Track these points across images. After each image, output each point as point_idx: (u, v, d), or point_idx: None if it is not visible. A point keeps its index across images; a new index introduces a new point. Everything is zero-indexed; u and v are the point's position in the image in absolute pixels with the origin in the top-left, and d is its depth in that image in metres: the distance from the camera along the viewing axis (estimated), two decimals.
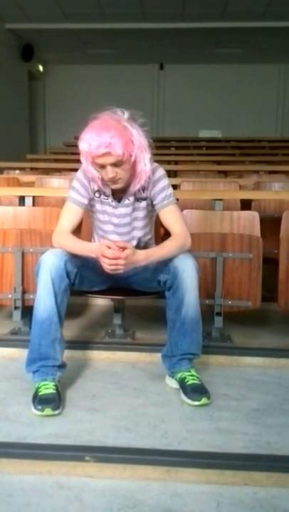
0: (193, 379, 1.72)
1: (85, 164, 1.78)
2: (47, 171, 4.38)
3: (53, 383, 1.67)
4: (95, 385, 1.83)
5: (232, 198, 2.83)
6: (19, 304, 2.15)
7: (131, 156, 1.71)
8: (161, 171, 1.85)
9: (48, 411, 1.57)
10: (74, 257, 1.76)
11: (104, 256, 1.65)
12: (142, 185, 1.81)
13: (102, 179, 1.79)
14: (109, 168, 1.69)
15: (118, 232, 1.89)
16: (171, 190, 1.87)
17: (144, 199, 1.86)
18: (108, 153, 1.65)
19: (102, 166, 1.71)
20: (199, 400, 1.66)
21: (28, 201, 2.63)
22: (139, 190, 1.83)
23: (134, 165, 1.75)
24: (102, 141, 1.63)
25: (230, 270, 2.14)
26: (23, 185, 3.44)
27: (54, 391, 1.64)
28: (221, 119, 9.87)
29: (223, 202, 2.57)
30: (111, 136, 1.63)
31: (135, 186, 1.80)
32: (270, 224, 2.59)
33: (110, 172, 1.70)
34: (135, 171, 1.77)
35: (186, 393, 1.69)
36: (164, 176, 1.86)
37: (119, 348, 2.11)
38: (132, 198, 1.85)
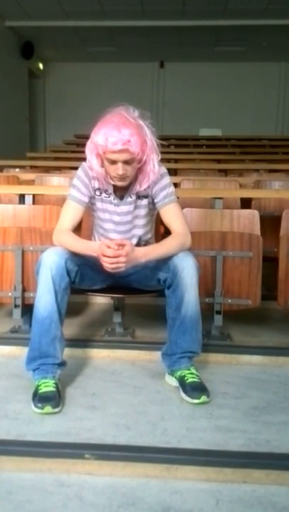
0: (193, 377, 1.73)
1: (90, 157, 1.77)
2: (47, 169, 4.38)
3: (53, 381, 1.67)
4: (94, 383, 1.84)
5: (232, 197, 2.83)
6: (19, 302, 2.16)
7: (144, 155, 1.71)
8: (163, 169, 1.85)
9: (48, 409, 1.58)
10: (74, 256, 1.76)
11: (104, 255, 1.65)
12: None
13: (107, 175, 1.79)
14: (120, 164, 1.69)
15: (118, 231, 1.90)
16: (172, 188, 1.87)
17: (146, 197, 1.87)
18: (125, 150, 1.65)
19: (113, 162, 1.70)
20: (199, 398, 1.66)
21: (28, 199, 2.63)
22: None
23: (143, 164, 1.75)
24: (121, 138, 1.62)
25: (230, 269, 2.14)
26: (23, 183, 3.44)
27: (54, 389, 1.64)
28: (221, 118, 9.85)
29: (223, 200, 2.57)
30: (130, 134, 1.63)
31: (142, 186, 1.81)
32: (270, 222, 2.59)
33: (121, 169, 1.70)
34: (143, 170, 1.77)
35: (185, 391, 1.70)
36: (166, 174, 1.86)
37: (119, 346, 2.12)
38: (134, 196, 1.85)
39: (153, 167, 1.77)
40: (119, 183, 1.78)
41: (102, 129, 1.66)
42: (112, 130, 1.63)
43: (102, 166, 1.78)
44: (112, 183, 1.81)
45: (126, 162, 1.69)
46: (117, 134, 1.62)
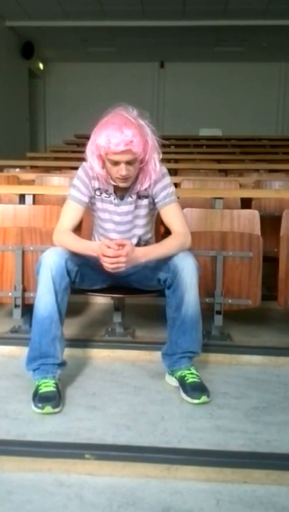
0: (193, 377, 1.73)
1: (91, 159, 1.77)
2: (47, 169, 4.38)
3: (53, 381, 1.67)
4: (95, 383, 1.84)
5: (232, 197, 2.83)
6: (19, 302, 2.16)
7: (146, 155, 1.71)
8: (163, 169, 1.85)
9: (48, 409, 1.58)
10: (75, 256, 1.76)
11: (105, 255, 1.65)
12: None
13: (108, 177, 1.79)
14: (123, 165, 1.69)
15: (118, 231, 1.89)
16: (173, 188, 1.87)
17: (146, 197, 1.87)
18: (127, 151, 1.65)
19: (116, 163, 1.70)
20: (199, 398, 1.66)
21: (29, 199, 2.63)
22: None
23: (145, 164, 1.75)
24: (123, 139, 1.62)
25: (230, 269, 2.14)
26: (23, 183, 3.44)
27: (54, 389, 1.64)
28: (221, 118, 9.85)
29: (224, 200, 2.57)
30: (133, 134, 1.63)
31: (143, 185, 1.81)
32: (270, 222, 2.59)
33: (124, 170, 1.70)
34: (144, 169, 1.77)
35: (185, 391, 1.70)
36: (167, 174, 1.86)
37: (119, 347, 2.12)
38: (134, 196, 1.85)
39: (154, 166, 1.77)
40: (122, 185, 1.78)
41: (104, 131, 1.66)
42: (114, 131, 1.63)
43: (103, 167, 1.77)
44: (114, 183, 1.81)
45: (128, 163, 1.69)
46: (120, 135, 1.62)
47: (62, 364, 1.74)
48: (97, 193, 1.87)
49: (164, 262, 1.76)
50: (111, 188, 1.84)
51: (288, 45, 8.69)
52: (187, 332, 1.75)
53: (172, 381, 1.80)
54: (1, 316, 2.55)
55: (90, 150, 1.76)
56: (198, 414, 1.61)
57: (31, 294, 2.12)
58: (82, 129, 3.96)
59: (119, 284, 1.93)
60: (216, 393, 1.74)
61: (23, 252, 2.18)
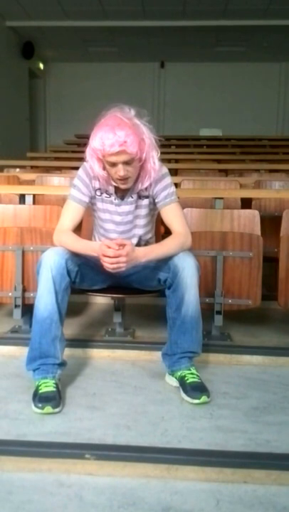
0: (193, 377, 1.73)
1: (91, 161, 1.77)
2: (47, 169, 4.38)
3: (53, 381, 1.67)
4: (95, 383, 1.84)
5: (232, 197, 2.83)
6: (19, 302, 2.16)
7: (143, 153, 1.72)
8: (164, 169, 1.85)
9: (48, 409, 1.58)
10: (75, 256, 1.76)
11: (105, 255, 1.65)
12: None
13: (110, 178, 1.79)
14: (120, 166, 1.69)
15: (119, 231, 1.90)
16: (173, 188, 1.87)
17: (147, 197, 1.87)
18: (123, 152, 1.65)
19: (114, 164, 1.70)
20: (199, 398, 1.66)
21: (29, 199, 2.63)
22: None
23: (144, 162, 1.75)
24: (117, 140, 1.63)
25: (230, 269, 2.14)
26: (23, 183, 3.45)
27: (54, 389, 1.64)
28: (221, 118, 9.85)
29: (224, 200, 2.57)
30: (126, 134, 1.63)
31: (144, 184, 1.81)
32: (270, 222, 2.60)
33: (122, 170, 1.70)
34: (143, 168, 1.77)
35: (185, 391, 1.70)
36: (167, 174, 1.87)
37: (120, 347, 2.12)
38: (135, 196, 1.85)
39: (153, 164, 1.77)
40: (123, 186, 1.78)
41: (98, 134, 1.67)
42: (108, 133, 1.64)
43: (104, 168, 1.78)
44: (116, 185, 1.81)
45: (126, 163, 1.69)
46: (113, 136, 1.63)
47: (62, 364, 1.74)
48: (98, 193, 1.87)
49: (164, 262, 1.76)
50: (111, 188, 1.85)
51: (288, 44, 8.69)
52: (187, 332, 1.75)
53: (172, 381, 1.80)
54: (1, 316, 2.55)
55: (88, 153, 1.76)
56: (199, 414, 1.61)
57: (31, 294, 2.13)
58: (83, 128, 3.96)
59: (119, 284, 1.93)
60: (216, 393, 1.74)
61: (23, 252, 2.18)
